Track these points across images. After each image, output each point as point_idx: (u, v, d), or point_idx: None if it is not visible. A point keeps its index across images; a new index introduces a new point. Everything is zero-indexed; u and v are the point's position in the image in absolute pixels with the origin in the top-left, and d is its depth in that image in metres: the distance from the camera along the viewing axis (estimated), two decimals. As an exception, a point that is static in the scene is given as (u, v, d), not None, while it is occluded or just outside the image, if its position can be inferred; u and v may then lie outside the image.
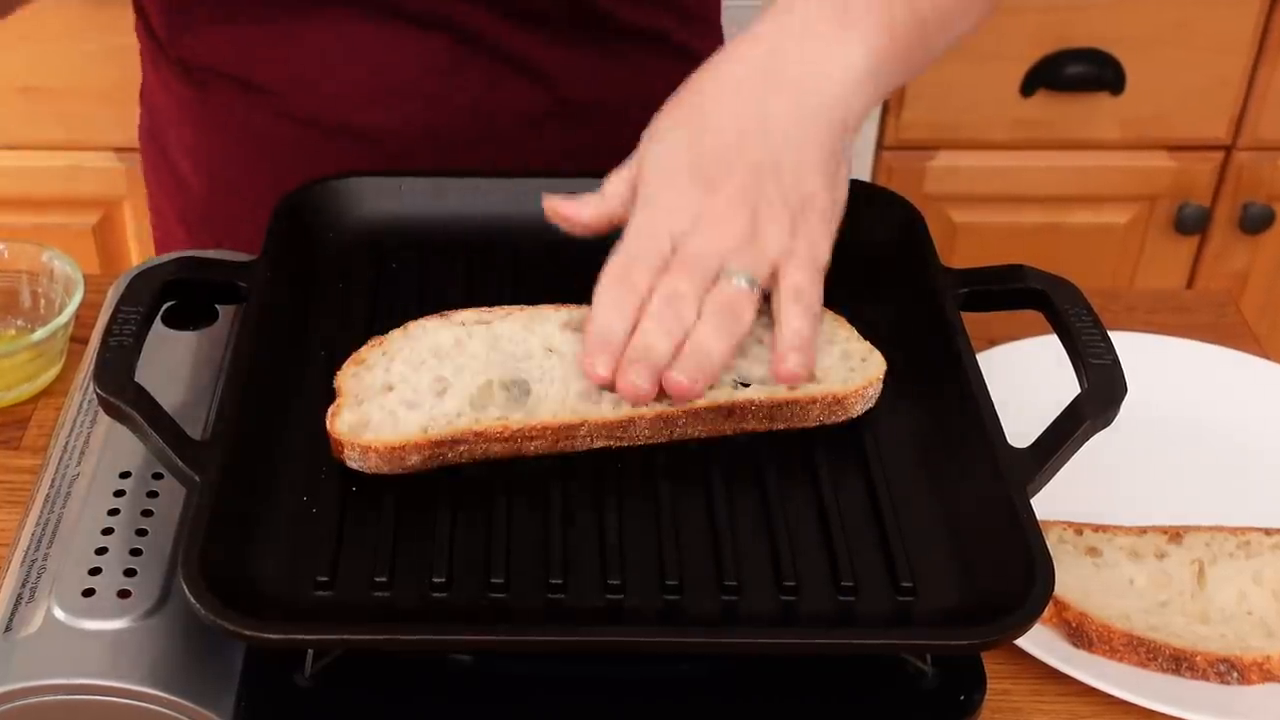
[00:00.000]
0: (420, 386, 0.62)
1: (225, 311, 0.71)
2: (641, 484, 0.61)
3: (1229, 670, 0.65)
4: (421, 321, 0.65)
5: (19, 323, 0.82)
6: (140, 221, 1.44)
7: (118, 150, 1.40)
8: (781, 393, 0.62)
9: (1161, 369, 0.83)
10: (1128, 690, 0.65)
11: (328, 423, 0.60)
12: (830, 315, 0.67)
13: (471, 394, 0.61)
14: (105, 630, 0.56)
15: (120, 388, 0.58)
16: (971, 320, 0.67)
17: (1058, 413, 0.61)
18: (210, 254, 0.71)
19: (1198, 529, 0.73)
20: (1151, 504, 0.76)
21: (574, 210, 0.65)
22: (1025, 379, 0.80)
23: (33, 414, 0.78)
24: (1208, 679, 0.66)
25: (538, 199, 0.66)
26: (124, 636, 0.56)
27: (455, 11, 0.80)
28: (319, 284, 0.70)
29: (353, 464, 0.59)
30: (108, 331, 0.60)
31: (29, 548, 0.60)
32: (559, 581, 0.56)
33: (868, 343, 0.65)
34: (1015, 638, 0.55)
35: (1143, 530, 0.72)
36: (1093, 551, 0.71)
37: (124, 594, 0.57)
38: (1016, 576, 0.55)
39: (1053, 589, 0.54)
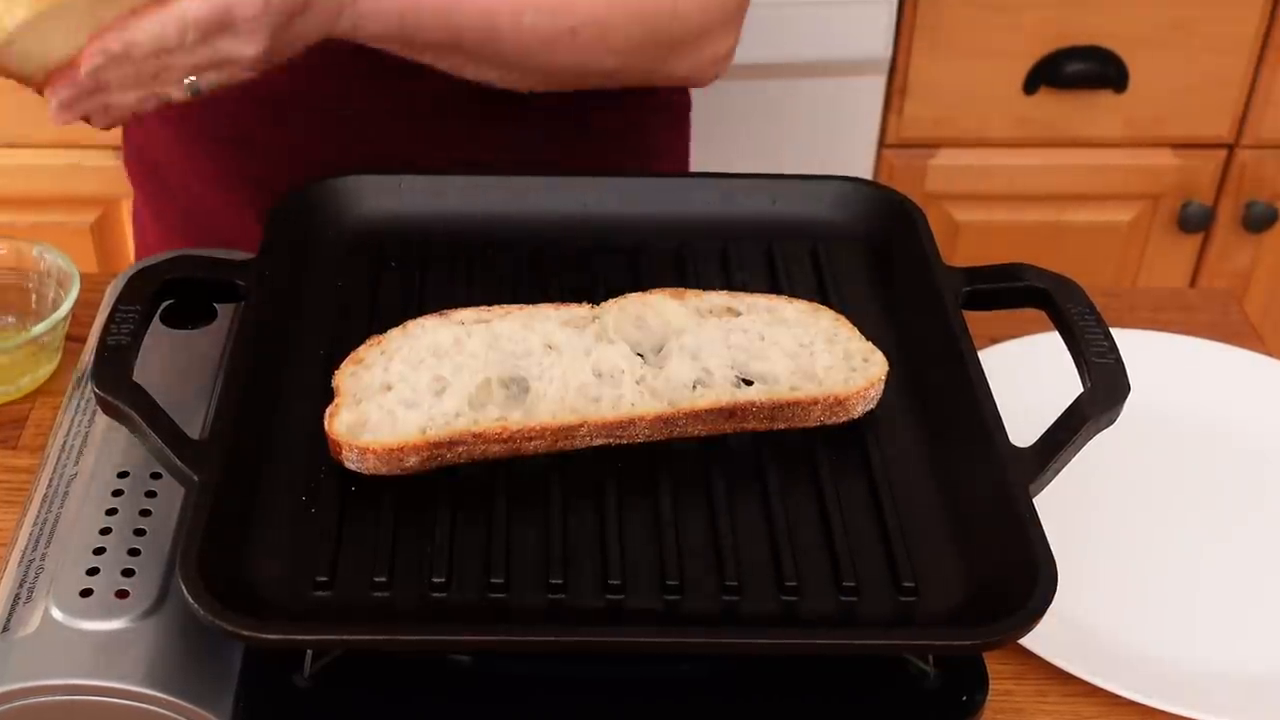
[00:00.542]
0: (419, 386, 0.61)
1: (224, 310, 0.71)
2: (642, 483, 0.60)
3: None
4: (420, 320, 0.65)
5: (10, 319, 0.81)
6: (139, 220, 1.45)
7: (116, 148, 1.39)
8: (783, 394, 0.62)
9: (1164, 368, 0.82)
10: (1133, 690, 0.65)
11: (326, 423, 0.59)
12: (831, 315, 0.67)
13: (470, 393, 0.61)
14: (103, 630, 0.56)
15: (118, 387, 0.58)
16: (973, 319, 0.67)
17: (1060, 412, 0.61)
18: (209, 253, 0.70)
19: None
20: (1153, 502, 0.76)
21: None
22: (1027, 378, 0.80)
23: (30, 413, 0.78)
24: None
25: (537, 198, 0.66)
26: (122, 637, 0.56)
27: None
28: (318, 283, 0.70)
29: (351, 465, 0.59)
30: (106, 330, 0.60)
31: (26, 547, 0.60)
32: (559, 581, 0.56)
33: (869, 343, 0.65)
34: (1018, 638, 0.55)
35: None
36: None
37: (122, 594, 0.57)
38: (1019, 576, 0.55)
39: (1055, 589, 0.54)
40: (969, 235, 1.51)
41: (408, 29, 0.72)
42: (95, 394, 0.57)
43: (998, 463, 0.59)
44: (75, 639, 0.56)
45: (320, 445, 0.60)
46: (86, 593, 0.57)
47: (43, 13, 0.62)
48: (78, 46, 0.64)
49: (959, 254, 1.49)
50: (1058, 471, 0.60)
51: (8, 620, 0.57)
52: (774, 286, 0.71)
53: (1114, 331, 0.64)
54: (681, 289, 0.68)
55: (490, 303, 0.66)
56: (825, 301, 0.69)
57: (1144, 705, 0.65)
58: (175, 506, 0.60)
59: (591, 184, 0.74)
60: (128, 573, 0.58)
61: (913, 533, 0.59)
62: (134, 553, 0.59)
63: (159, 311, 0.65)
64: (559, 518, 0.59)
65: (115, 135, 1.38)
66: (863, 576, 0.57)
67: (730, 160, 1.06)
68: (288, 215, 0.71)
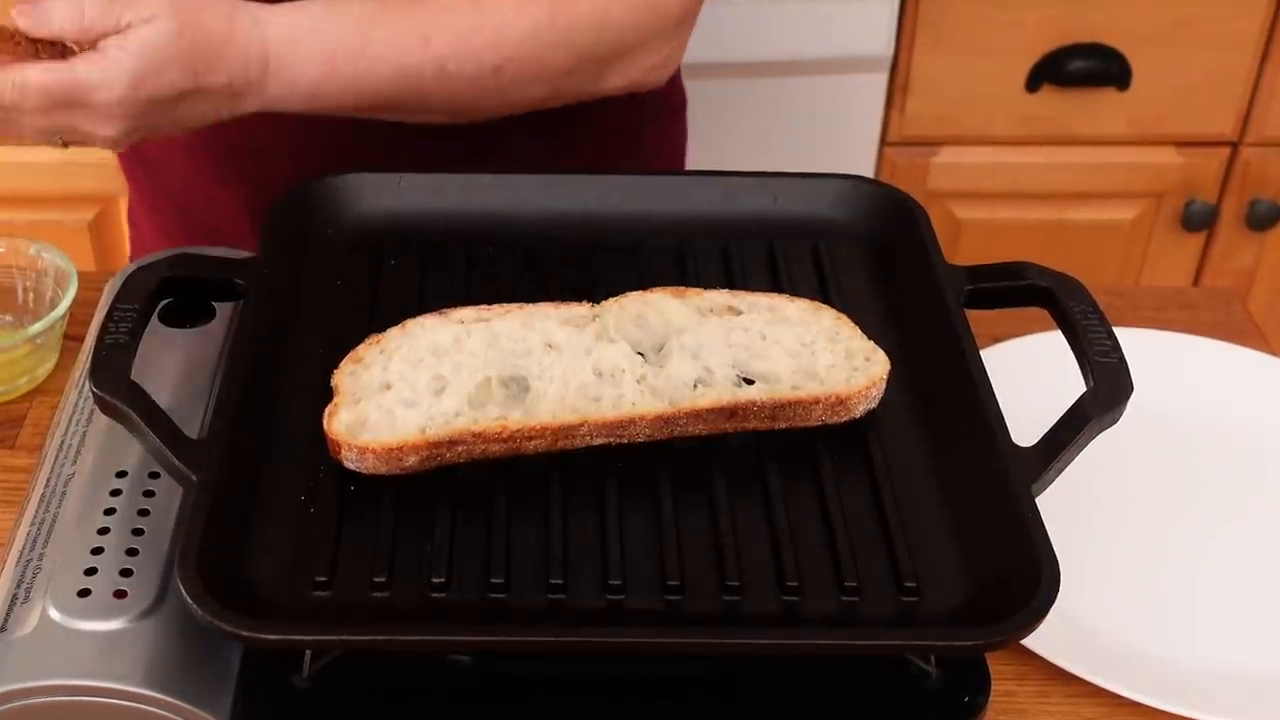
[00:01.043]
0: (418, 385, 0.61)
1: (222, 309, 0.70)
2: (642, 483, 0.60)
3: None
4: (420, 320, 0.65)
5: (7, 318, 0.81)
6: (137, 218, 1.44)
7: (113, 147, 1.39)
8: (784, 393, 0.62)
9: (1167, 366, 0.82)
10: (1135, 690, 0.65)
11: (325, 423, 0.59)
12: (833, 314, 0.67)
13: (470, 392, 0.61)
14: (101, 631, 0.56)
15: (116, 386, 0.57)
16: (976, 317, 0.67)
17: (1062, 411, 0.61)
18: (207, 251, 0.70)
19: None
20: (1155, 501, 0.76)
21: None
22: (1030, 377, 0.80)
23: (28, 412, 0.78)
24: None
25: (538, 196, 0.66)
26: (120, 637, 0.56)
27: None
28: (317, 282, 0.69)
29: (350, 464, 0.59)
30: (104, 329, 0.60)
31: (24, 547, 0.60)
32: (559, 581, 0.56)
33: (871, 342, 0.65)
34: (1021, 638, 0.55)
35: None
36: None
37: (120, 594, 0.57)
38: (1021, 576, 0.54)
39: (1058, 589, 0.54)
40: (971, 233, 1.50)
41: (322, 102, 0.72)
42: (93, 393, 0.57)
43: (1000, 462, 0.59)
44: (73, 639, 0.55)
45: (319, 445, 0.60)
46: (84, 593, 0.57)
47: None
48: None
49: (961, 252, 1.48)
50: (1060, 471, 0.59)
51: (5, 621, 0.57)
52: (775, 285, 0.71)
53: (1117, 330, 0.64)
54: (682, 288, 0.67)
55: (490, 301, 0.66)
56: (827, 300, 0.69)
57: (1146, 705, 0.64)
58: (174, 506, 0.60)
59: (592, 182, 0.74)
60: (126, 573, 0.58)
61: (914, 532, 0.59)
62: (132, 553, 0.58)
63: (157, 310, 0.65)
64: (559, 518, 0.58)
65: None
66: (864, 576, 0.57)
67: (731, 158, 1.06)
68: (287, 214, 0.71)
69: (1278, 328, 1.56)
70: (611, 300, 0.66)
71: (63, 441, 0.65)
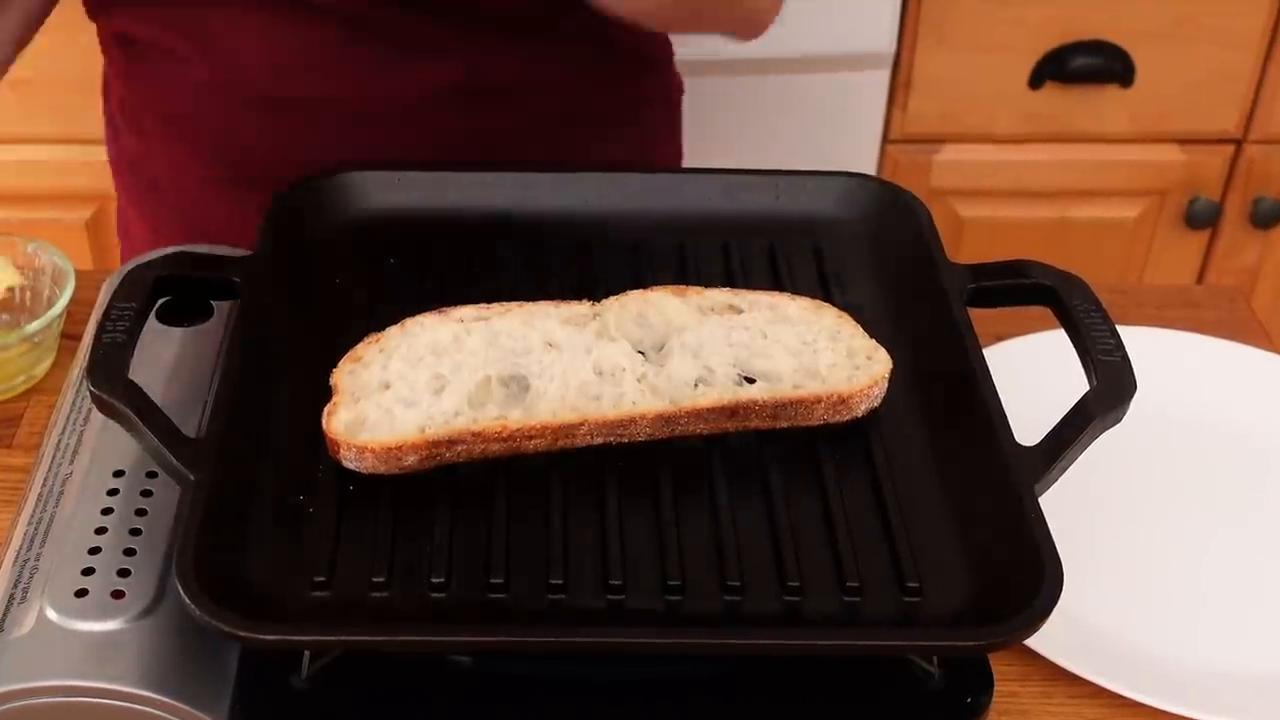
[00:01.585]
0: (418, 384, 0.61)
1: (220, 307, 0.70)
2: (643, 483, 0.60)
3: None
4: (419, 318, 0.65)
5: (4, 317, 0.81)
6: (134, 217, 1.44)
7: (110, 144, 1.39)
8: (785, 392, 0.61)
9: (1171, 365, 0.82)
10: (1138, 691, 0.64)
11: (324, 422, 0.59)
12: (834, 312, 0.67)
13: (470, 391, 0.61)
14: (98, 631, 0.56)
15: (114, 385, 0.57)
16: (978, 315, 0.66)
17: (1066, 410, 0.60)
18: (206, 250, 0.70)
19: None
20: (1159, 500, 0.76)
21: None
22: (1033, 375, 0.79)
23: (25, 411, 0.78)
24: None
25: (538, 194, 0.66)
26: (118, 637, 0.55)
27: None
28: (315, 280, 0.69)
29: (349, 464, 0.58)
30: (101, 328, 0.59)
31: (21, 547, 0.60)
32: (559, 581, 0.56)
33: (873, 340, 0.65)
34: (1023, 638, 0.55)
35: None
36: None
37: (118, 594, 0.57)
38: (1024, 576, 0.54)
39: (1061, 589, 0.53)
40: (974, 231, 1.50)
41: None
42: (91, 392, 0.57)
43: (1003, 461, 0.58)
44: (70, 640, 0.55)
45: (318, 444, 0.59)
46: (82, 593, 0.56)
47: None
48: None
49: (964, 250, 1.48)
50: (1063, 470, 0.59)
51: (2, 621, 0.56)
52: (776, 283, 0.70)
53: (1120, 328, 0.64)
54: (683, 286, 0.67)
55: (490, 299, 0.66)
56: (828, 298, 0.69)
57: (1149, 706, 0.64)
58: (171, 506, 0.60)
59: (593, 179, 0.74)
60: (123, 573, 0.57)
61: (917, 532, 0.58)
62: (130, 552, 0.58)
63: (155, 309, 0.65)
64: (559, 517, 0.58)
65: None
66: (866, 576, 0.56)
67: (732, 155, 1.05)
68: (285, 211, 0.71)
69: (1282, 326, 1.56)
70: (612, 299, 0.66)
71: (60, 441, 0.64)
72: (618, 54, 0.89)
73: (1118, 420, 0.61)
